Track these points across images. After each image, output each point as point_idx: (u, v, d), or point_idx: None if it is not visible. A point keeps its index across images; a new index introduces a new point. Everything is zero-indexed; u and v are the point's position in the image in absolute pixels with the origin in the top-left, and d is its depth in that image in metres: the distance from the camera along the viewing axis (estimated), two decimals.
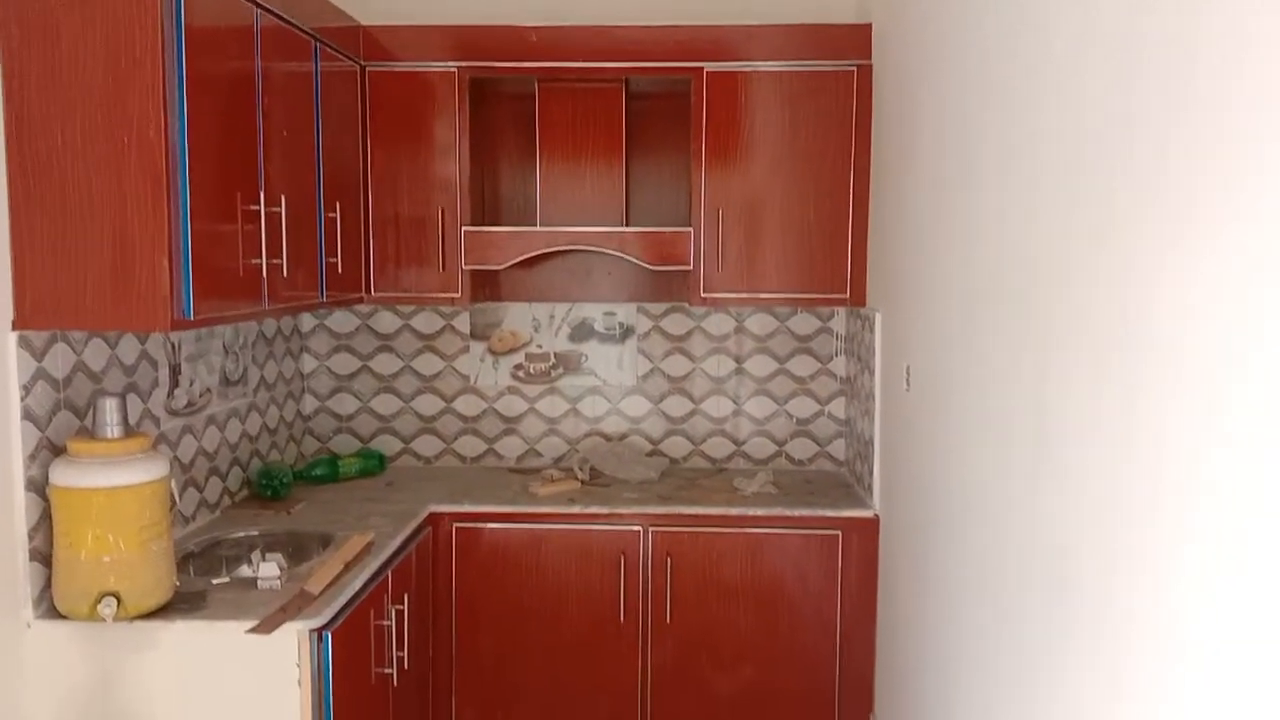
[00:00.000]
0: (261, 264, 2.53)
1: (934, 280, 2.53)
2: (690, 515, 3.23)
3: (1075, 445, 1.59)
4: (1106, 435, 1.46)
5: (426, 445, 3.84)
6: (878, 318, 3.17)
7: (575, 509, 3.24)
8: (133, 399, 2.61)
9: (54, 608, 2.23)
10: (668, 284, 3.73)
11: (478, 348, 3.80)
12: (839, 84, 3.32)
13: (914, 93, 2.77)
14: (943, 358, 2.45)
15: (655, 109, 3.64)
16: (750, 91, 3.34)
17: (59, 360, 2.31)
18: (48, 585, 2.23)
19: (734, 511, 3.22)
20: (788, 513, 3.23)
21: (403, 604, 2.81)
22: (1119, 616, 1.42)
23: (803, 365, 3.78)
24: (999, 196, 2.00)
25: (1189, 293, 1.23)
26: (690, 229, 3.38)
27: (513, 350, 3.80)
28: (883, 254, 3.16)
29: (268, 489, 3.25)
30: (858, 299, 3.40)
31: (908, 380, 2.81)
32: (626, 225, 3.51)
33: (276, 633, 2.22)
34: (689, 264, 3.38)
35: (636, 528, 3.23)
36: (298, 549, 2.86)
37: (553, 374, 3.81)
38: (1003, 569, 1.95)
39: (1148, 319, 1.33)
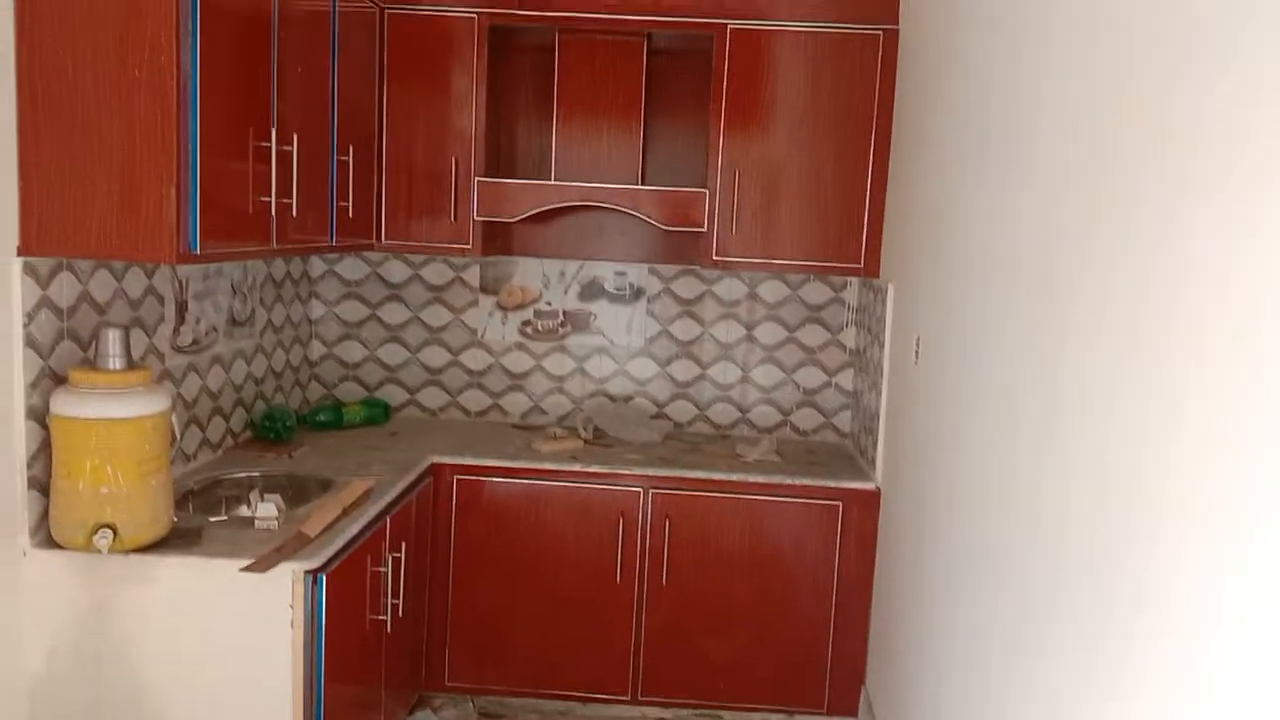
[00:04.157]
0: (271, 203, 2.50)
1: (950, 253, 2.49)
2: (691, 479, 3.21)
3: (1080, 422, 1.56)
4: (1114, 412, 1.43)
5: (432, 397, 3.83)
6: (890, 289, 3.13)
7: (576, 467, 3.23)
8: (137, 333, 2.60)
9: (51, 537, 2.23)
10: (680, 246, 3.69)
11: (487, 302, 3.78)
12: (864, 47, 3.26)
13: (940, 59, 2.71)
14: (954, 331, 2.42)
15: (676, 67, 3.59)
16: (773, 51, 3.29)
17: (64, 289, 2.29)
18: (45, 514, 2.23)
19: (735, 477, 3.21)
20: (789, 481, 3.21)
21: (400, 552, 2.81)
22: (1116, 600, 1.39)
23: (812, 335, 3.75)
24: (1023, 169, 1.96)
25: (1211, 272, 1.19)
26: (705, 190, 3.33)
27: (522, 306, 3.78)
28: (899, 225, 3.11)
29: (271, 431, 3.24)
30: (871, 269, 3.36)
31: (917, 353, 2.78)
32: (642, 184, 3.46)
33: (271, 573, 2.22)
34: (703, 225, 3.34)
35: (637, 489, 3.21)
36: (297, 492, 2.85)
37: (561, 332, 3.78)
38: (1001, 546, 1.93)
39: (1172, 300, 1.30)
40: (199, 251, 2.21)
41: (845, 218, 3.35)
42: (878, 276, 3.35)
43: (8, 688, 2.21)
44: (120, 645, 2.25)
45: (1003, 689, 1.87)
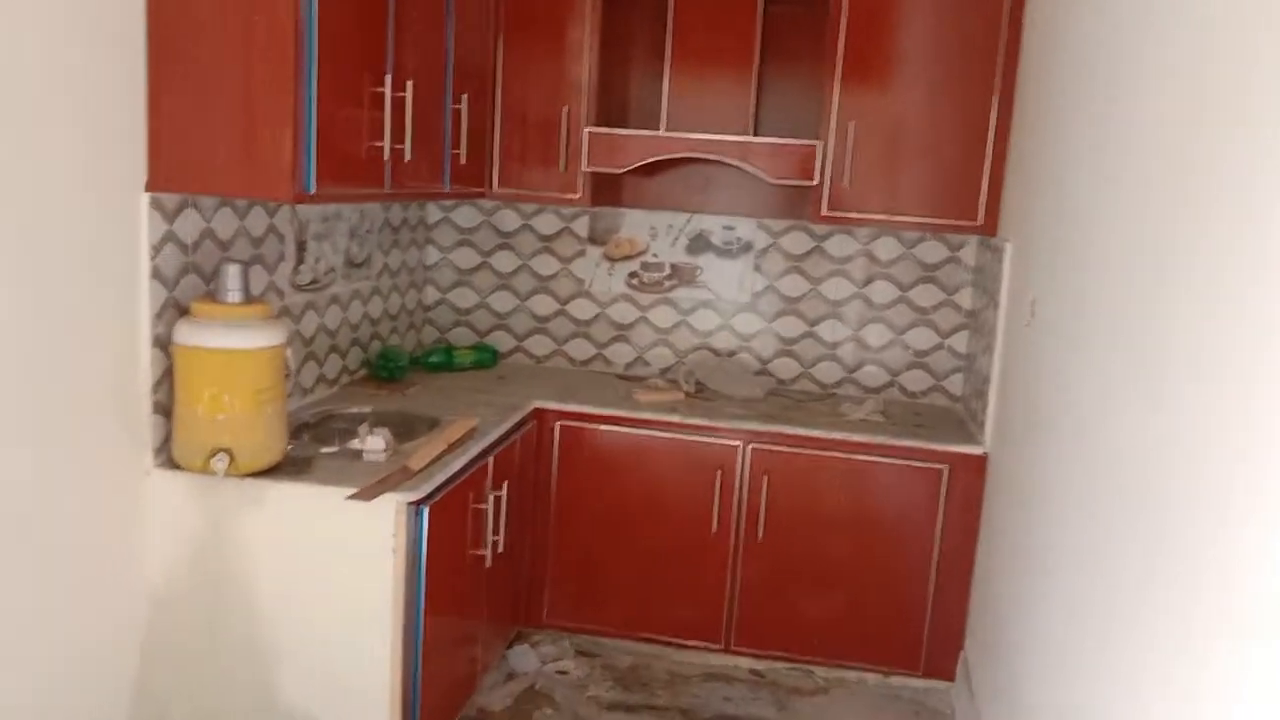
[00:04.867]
0: (384, 147, 2.57)
1: (1069, 213, 2.37)
2: (791, 435, 3.18)
3: (1192, 384, 1.48)
4: (1225, 379, 1.35)
5: (538, 345, 3.89)
6: (1008, 249, 3.01)
7: (676, 418, 3.24)
8: (258, 269, 2.72)
9: (172, 459, 2.37)
10: (790, 201, 3.63)
11: (594, 252, 3.80)
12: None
13: (1068, 12, 2.57)
14: (1067, 293, 2.31)
15: (793, 17, 3.50)
16: (895, 1, 3.18)
17: (188, 225, 2.41)
18: (168, 438, 2.38)
19: (836, 435, 3.16)
20: (892, 442, 3.15)
21: (501, 490, 2.89)
22: (1216, 574, 1.32)
23: (926, 295, 3.64)
24: (1150, 123, 1.85)
25: None
26: (818, 142, 3.26)
27: (629, 258, 3.79)
28: (1020, 183, 2.99)
29: (384, 370, 3.36)
30: (990, 228, 3.24)
31: (1031, 314, 2.67)
32: (754, 136, 3.41)
33: (375, 501, 2.31)
34: (814, 179, 3.28)
35: (736, 443, 3.21)
36: (406, 428, 2.94)
37: (666, 284, 3.78)
38: (1101, 520, 1.85)
39: None
40: (314, 191, 2.29)
41: (964, 174, 3.23)
42: (996, 235, 3.23)
43: (131, 598, 2.38)
44: (234, 565, 2.38)
45: (1092, 670, 1.81)
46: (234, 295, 2.34)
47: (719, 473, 3.21)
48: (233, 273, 2.34)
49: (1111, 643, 1.74)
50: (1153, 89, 1.84)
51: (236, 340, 2.27)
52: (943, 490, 3.14)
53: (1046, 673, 2.17)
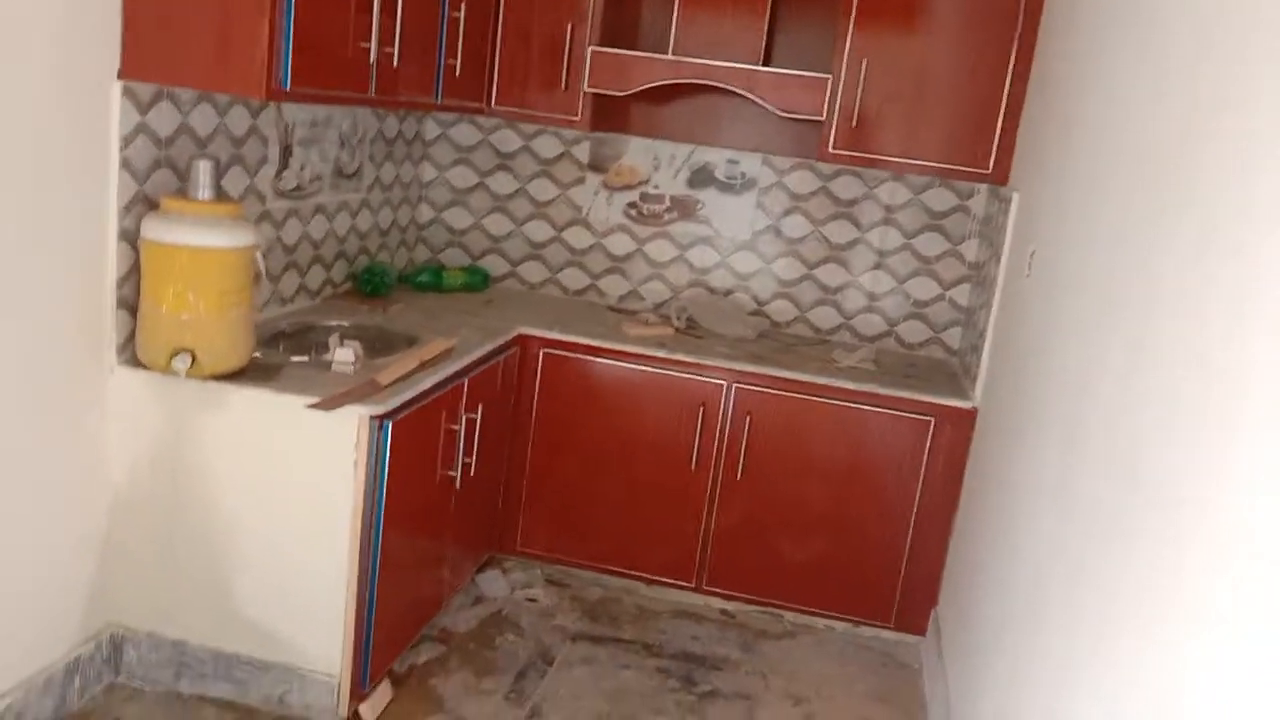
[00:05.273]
0: (371, 49, 2.48)
1: (1074, 164, 2.27)
2: (776, 378, 3.12)
3: (1176, 335, 1.40)
4: (1206, 333, 1.27)
5: (532, 271, 3.82)
6: (1015, 199, 2.91)
7: (662, 353, 3.17)
8: (238, 171, 2.65)
9: (136, 357, 2.32)
10: (799, 139, 3.52)
11: (594, 180, 3.71)
12: None
13: None
14: (1064, 245, 2.22)
15: None
16: None
17: (163, 118, 2.34)
18: (132, 335, 2.33)
19: (823, 381, 3.09)
20: (880, 391, 3.08)
21: (476, 413, 2.84)
22: (1186, 537, 1.26)
23: (931, 244, 3.54)
24: (1154, 84, 1.74)
25: None
26: (829, 76, 3.14)
27: (629, 187, 3.70)
28: (1032, 133, 2.87)
29: (369, 285, 3.30)
30: (1000, 177, 3.13)
31: (1029, 266, 2.58)
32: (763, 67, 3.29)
33: (338, 413, 2.27)
34: (821, 114, 3.16)
35: (720, 381, 3.14)
36: (384, 345, 2.90)
37: (666, 217, 3.69)
38: (1073, 475, 1.78)
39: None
40: (289, 89, 2.21)
41: (978, 120, 3.11)
42: (1006, 184, 3.12)
43: (93, 492, 2.35)
44: (194, 465, 2.35)
45: (1062, 625, 1.75)
46: (204, 192, 2.27)
47: (701, 410, 3.15)
48: (204, 169, 2.27)
49: (1072, 605, 1.69)
50: (1159, 53, 1.73)
51: (204, 238, 2.21)
52: (928, 443, 3.07)
53: (1009, 635, 2.12)
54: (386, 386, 2.43)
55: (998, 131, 3.10)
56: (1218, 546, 1.14)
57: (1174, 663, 1.22)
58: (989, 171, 3.14)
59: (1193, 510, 1.23)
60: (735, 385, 3.14)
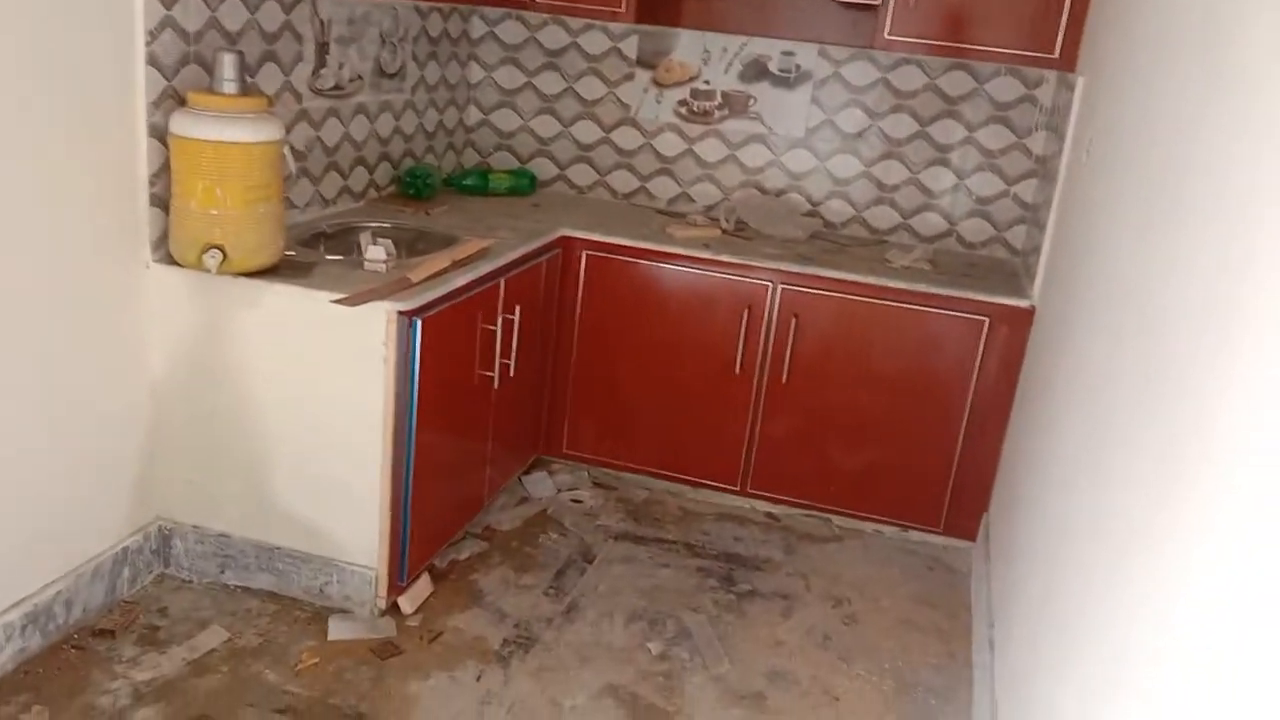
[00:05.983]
0: None
1: (1133, 46, 2.09)
2: (824, 278, 3.02)
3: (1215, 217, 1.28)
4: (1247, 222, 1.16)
5: (581, 174, 3.75)
6: (1079, 84, 2.72)
7: (707, 255, 3.10)
8: (271, 68, 2.63)
9: (169, 254, 2.35)
10: (856, 27, 3.34)
11: (643, 77, 3.60)
12: None
13: None
14: (1120, 129, 2.06)
15: None
16: None
17: (190, 12, 2.32)
18: (165, 232, 2.35)
19: (871, 280, 2.99)
20: (931, 290, 2.96)
21: (514, 314, 2.82)
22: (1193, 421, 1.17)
23: (995, 137, 3.36)
24: None
25: None
26: None
27: (679, 84, 3.58)
28: (1100, 13, 2.67)
29: (412, 188, 3.29)
30: (1068, 63, 2.93)
31: (1087, 153, 2.42)
32: None
33: (366, 309, 2.27)
34: None
35: (766, 283, 3.06)
36: (423, 246, 2.89)
37: (717, 115, 3.57)
38: (1104, 375, 1.68)
39: None
40: None
41: (1044, 1, 2.91)
42: (1074, 70, 2.92)
43: (134, 390, 2.41)
44: (231, 362, 2.39)
45: (1089, 527, 1.67)
46: (229, 86, 2.26)
47: (746, 312, 3.08)
48: (228, 62, 2.25)
49: (1099, 505, 1.61)
50: None
51: (228, 132, 2.20)
52: (981, 344, 2.96)
53: (1042, 535, 2.04)
54: (417, 284, 2.42)
55: (1065, 12, 2.89)
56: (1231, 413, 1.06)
57: (1182, 569, 1.14)
58: (1056, 56, 2.94)
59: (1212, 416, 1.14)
60: (781, 286, 3.05)
